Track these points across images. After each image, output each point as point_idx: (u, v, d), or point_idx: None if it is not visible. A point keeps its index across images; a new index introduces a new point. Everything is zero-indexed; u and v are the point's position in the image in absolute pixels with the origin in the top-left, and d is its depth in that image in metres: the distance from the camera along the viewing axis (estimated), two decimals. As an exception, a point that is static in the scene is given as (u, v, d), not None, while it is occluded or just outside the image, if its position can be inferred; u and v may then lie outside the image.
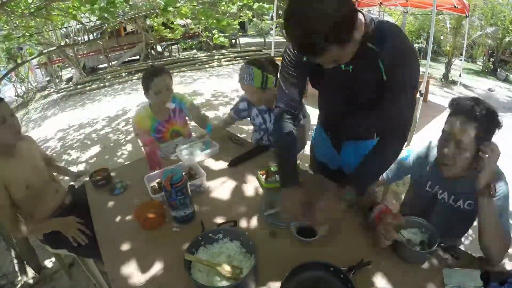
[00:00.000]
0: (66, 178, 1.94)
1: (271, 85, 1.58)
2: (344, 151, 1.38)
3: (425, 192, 1.24)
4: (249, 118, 1.92)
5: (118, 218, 1.26)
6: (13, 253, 2.03)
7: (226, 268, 0.89)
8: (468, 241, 2.13)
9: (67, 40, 8.93)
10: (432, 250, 0.93)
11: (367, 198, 1.14)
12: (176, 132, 1.94)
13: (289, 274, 0.86)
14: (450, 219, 1.18)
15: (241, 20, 4.41)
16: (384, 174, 1.31)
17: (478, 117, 1.00)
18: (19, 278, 1.98)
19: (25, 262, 2.03)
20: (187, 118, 1.99)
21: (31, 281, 1.95)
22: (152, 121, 1.86)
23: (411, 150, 1.30)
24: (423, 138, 3.02)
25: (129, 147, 3.76)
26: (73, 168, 3.43)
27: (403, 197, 1.53)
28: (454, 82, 7.30)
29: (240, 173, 1.50)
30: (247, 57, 9.70)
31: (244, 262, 0.94)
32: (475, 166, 1.03)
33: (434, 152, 1.21)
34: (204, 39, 4.17)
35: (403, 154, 1.28)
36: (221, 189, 1.40)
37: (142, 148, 1.81)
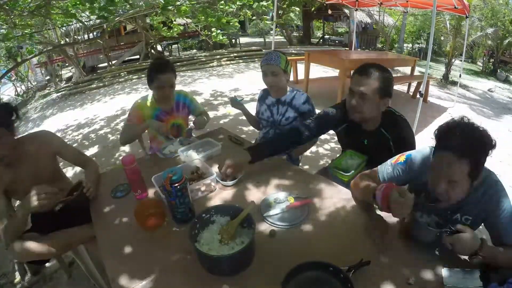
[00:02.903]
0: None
1: (288, 72, 1.79)
2: None
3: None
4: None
5: (118, 218, 1.26)
6: (12, 252, 2.03)
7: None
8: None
9: (67, 39, 8.91)
10: (446, 230, 0.93)
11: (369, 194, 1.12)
12: (177, 125, 1.94)
13: (289, 274, 0.86)
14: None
15: (240, 19, 4.40)
16: (380, 175, 1.21)
17: (469, 152, 0.89)
18: (19, 277, 1.97)
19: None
20: (190, 115, 2.03)
21: (30, 281, 1.94)
22: (154, 110, 1.88)
23: (409, 156, 1.16)
24: (423, 140, 3.02)
25: (127, 147, 3.75)
26: (71, 169, 3.42)
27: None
28: (454, 83, 7.31)
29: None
30: (247, 57, 9.71)
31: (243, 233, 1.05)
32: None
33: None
34: (204, 37, 4.16)
35: (400, 159, 1.17)
36: (221, 189, 1.40)
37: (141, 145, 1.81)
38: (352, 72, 1.43)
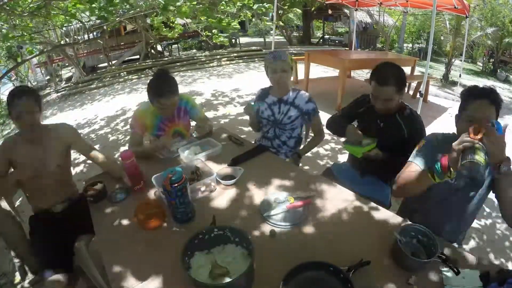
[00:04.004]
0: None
1: (291, 71, 1.82)
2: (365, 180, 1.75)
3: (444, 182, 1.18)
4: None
5: (118, 219, 1.26)
6: (12, 253, 2.03)
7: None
8: (467, 241, 2.13)
9: (67, 39, 8.91)
10: (430, 260, 0.90)
11: None
12: (178, 132, 1.93)
13: (289, 274, 0.86)
14: (463, 209, 1.24)
15: (241, 20, 4.40)
16: (419, 163, 1.22)
17: (496, 101, 1.12)
18: (19, 277, 1.98)
19: (24, 261, 2.02)
20: (190, 120, 1.99)
21: (31, 281, 1.94)
22: (155, 118, 1.83)
23: (426, 139, 1.30)
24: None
25: (127, 146, 3.75)
26: (71, 170, 3.41)
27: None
28: (454, 83, 7.30)
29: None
30: (247, 57, 9.70)
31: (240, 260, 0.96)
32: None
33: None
34: (204, 38, 4.16)
35: (421, 143, 1.28)
36: (221, 189, 1.40)
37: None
38: (370, 76, 1.58)
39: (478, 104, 1.14)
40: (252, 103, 1.86)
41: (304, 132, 2.10)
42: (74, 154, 3.87)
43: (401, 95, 1.54)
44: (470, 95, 1.18)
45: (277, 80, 1.80)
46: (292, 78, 1.92)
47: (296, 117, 1.85)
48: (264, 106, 1.92)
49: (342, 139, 1.78)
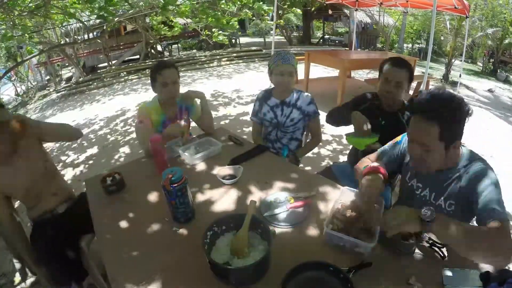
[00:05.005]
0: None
1: (296, 73, 1.80)
2: None
3: (405, 184, 1.24)
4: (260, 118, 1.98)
5: (118, 219, 1.25)
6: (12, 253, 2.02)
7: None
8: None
9: (67, 39, 8.91)
10: (415, 242, 0.94)
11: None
12: (180, 132, 1.93)
13: (289, 274, 0.86)
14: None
15: (240, 18, 4.41)
16: (381, 152, 1.33)
17: (436, 113, 0.91)
18: (19, 277, 1.97)
19: (23, 262, 2.02)
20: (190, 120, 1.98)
21: (30, 280, 1.94)
22: (161, 116, 1.83)
23: (404, 136, 1.27)
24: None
25: (127, 148, 3.74)
26: (71, 170, 3.41)
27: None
28: (454, 83, 7.31)
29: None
30: (247, 57, 9.70)
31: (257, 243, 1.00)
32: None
33: None
34: (204, 37, 4.17)
35: (397, 139, 1.30)
36: (221, 189, 1.40)
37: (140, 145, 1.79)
38: (383, 62, 1.57)
39: (412, 122, 0.98)
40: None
41: (305, 133, 2.10)
42: (73, 155, 3.88)
43: (408, 87, 1.55)
44: (410, 107, 1.08)
45: (282, 84, 1.77)
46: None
47: (299, 119, 1.85)
48: (266, 108, 1.90)
49: (344, 140, 1.78)
